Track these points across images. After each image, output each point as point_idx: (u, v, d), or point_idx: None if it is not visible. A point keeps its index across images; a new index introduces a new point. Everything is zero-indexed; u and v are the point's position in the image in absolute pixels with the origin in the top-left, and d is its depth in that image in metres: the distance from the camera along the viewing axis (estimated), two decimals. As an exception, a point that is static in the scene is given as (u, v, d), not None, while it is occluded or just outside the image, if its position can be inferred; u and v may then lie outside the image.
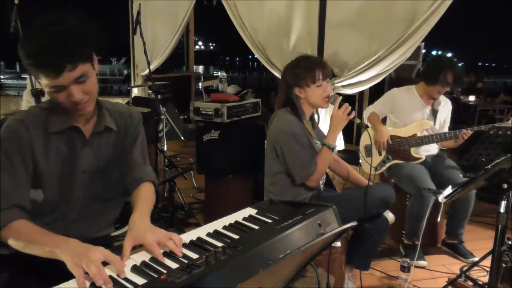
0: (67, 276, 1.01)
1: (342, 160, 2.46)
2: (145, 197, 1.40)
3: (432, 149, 2.97)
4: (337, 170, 2.45)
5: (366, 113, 3.03)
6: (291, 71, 2.17)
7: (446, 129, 2.98)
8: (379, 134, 2.90)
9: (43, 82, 1.20)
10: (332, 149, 2.11)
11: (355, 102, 5.53)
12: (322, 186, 2.30)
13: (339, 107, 2.07)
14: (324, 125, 2.97)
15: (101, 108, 1.39)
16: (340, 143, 3.49)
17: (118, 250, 1.12)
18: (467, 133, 2.69)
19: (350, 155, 3.42)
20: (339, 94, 3.41)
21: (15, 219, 1.21)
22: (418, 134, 2.87)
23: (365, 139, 3.07)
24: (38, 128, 1.29)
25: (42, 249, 1.13)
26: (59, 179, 1.33)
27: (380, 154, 2.97)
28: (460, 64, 2.86)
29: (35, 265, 1.18)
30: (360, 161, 3.14)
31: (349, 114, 2.07)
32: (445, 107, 2.97)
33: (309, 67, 2.12)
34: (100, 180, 1.41)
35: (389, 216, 2.23)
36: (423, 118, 2.91)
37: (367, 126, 2.97)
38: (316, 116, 2.34)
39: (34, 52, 1.16)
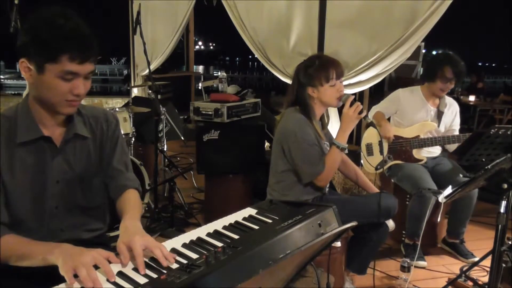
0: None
1: (351, 161, 2.44)
2: (133, 202, 1.38)
3: (435, 151, 2.95)
4: (344, 171, 2.44)
5: (371, 113, 3.01)
6: (305, 70, 2.14)
7: (456, 132, 2.94)
8: (384, 131, 2.87)
9: (56, 67, 1.16)
10: (342, 149, 2.08)
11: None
12: (326, 189, 2.30)
13: (350, 105, 2.06)
14: (334, 126, 2.97)
15: (72, 114, 1.34)
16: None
17: (115, 251, 1.11)
18: None
19: (350, 155, 3.42)
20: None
21: (1, 236, 1.19)
22: (421, 136, 2.85)
23: (367, 137, 3.05)
24: (0, 140, 1.25)
25: (35, 259, 1.13)
26: (30, 192, 1.28)
27: (381, 153, 2.96)
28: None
29: (33, 268, 1.17)
30: (362, 161, 3.13)
31: (360, 113, 2.05)
32: (451, 110, 2.93)
33: (323, 66, 2.10)
34: (79, 189, 1.37)
35: (390, 224, 2.23)
36: (427, 120, 2.88)
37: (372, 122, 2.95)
38: (326, 118, 2.33)
39: (67, 34, 1.16)
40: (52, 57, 1.16)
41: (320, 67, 2.10)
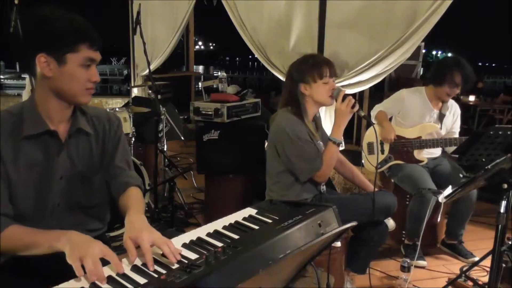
0: (67, 276, 1.01)
1: (347, 161, 2.45)
2: (136, 198, 1.39)
3: (435, 152, 2.96)
4: (341, 171, 2.44)
5: (373, 112, 3.02)
6: (298, 67, 2.16)
7: (456, 134, 2.95)
8: (386, 131, 2.87)
9: (77, 56, 1.24)
10: (338, 144, 2.10)
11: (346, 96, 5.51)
12: (324, 188, 2.30)
13: (343, 100, 2.06)
14: (325, 126, 2.96)
15: (75, 110, 1.37)
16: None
17: (117, 250, 1.11)
18: None
19: (350, 155, 3.42)
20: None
21: (6, 227, 1.20)
22: (423, 137, 2.85)
23: (368, 136, 3.05)
24: (5, 134, 1.26)
25: (42, 247, 1.14)
26: (34, 187, 1.30)
27: (382, 152, 2.96)
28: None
29: (34, 267, 1.17)
30: (363, 161, 3.13)
31: (352, 107, 2.05)
32: (452, 112, 2.94)
33: (317, 63, 2.12)
34: (80, 186, 1.38)
35: (390, 223, 2.23)
36: (429, 121, 2.88)
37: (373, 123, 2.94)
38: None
39: (81, 25, 1.25)
40: (72, 47, 1.23)
41: (313, 64, 2.12)
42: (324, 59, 2.19)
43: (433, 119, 2.90)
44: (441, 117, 2.89)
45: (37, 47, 1.23)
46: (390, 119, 3.05)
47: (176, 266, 1.04)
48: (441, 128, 2.88)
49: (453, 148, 2.84)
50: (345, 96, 2.07)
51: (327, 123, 3.16)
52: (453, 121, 2.95)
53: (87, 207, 1.42)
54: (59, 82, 1.26)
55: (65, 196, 1.36)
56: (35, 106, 1.31)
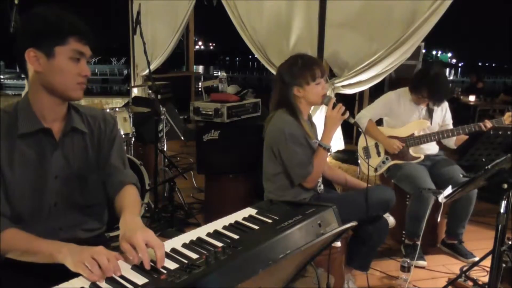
0: (67, 276, 1.01)
1: (336, 167, 2.44)
2: (131, 198, 1.39)
3: (431, 148, 2.97)
4: (333, 177, 2.44)
5: (361, 120, 2.92)
6: (289, 69, 2.13)
7: (450, 126, 2.96)
8: (388, 144, 2.87)
9: (65, 49, 1.24)
10: (328, 149, 2.11)
11: (355, 102, 5.53)
12: (321, 187, 2.30)
13: (333, 107, 2.07)
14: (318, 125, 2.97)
15: (70, 109, 1.37)
16: (340, 143, 3.49)
17: (116, 251, 1.11)
18: (487, 123, 2.65)
19: (350, 155, 3.42)
20: (339, 94, 3.42)
21: (4, 229, 1.20)
22: (416, 134, 2.87)
23: (363, 141, 3.06)
24: (1, 134, 1.26)
25: (41, 255, 1.13)
26: (30, 187, 1.29)
27: (379, 155, 2.96)
28: (450, 78, 2.84)
29: (34, 266, 1.17)
30: (359, 161, 3.13)
31: (343, 114, 2.06)
32: (440, 106, 2.95)
33: (308, 65, 2.11)
34: (76, 186, 1.38)
35: (390, 220, 2.23)
36: (419, 118, 2.91)
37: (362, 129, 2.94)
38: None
39: (71, 19, 1.26)
40: (61, 39, 1.24)
41: (305, 66, 2.10)
42: (313, 59, 2.18)
43: (422, 115, 2.92)
44: (430, 112, 2.92)
45: (26, 42, 1.24)
46: (381, 121, 3.05)
47: (176, 266, 1.04)
48: (431, 123, 2.91)
49: (451, 141, 2.88)
50: (336, 103, 2.08)
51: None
52: (442, 114, 2.97)
53: (84, 206, 1.41)
54: (49, 77, 1.26)
55: (62, 196, 1.35)
56: (29, 104, 1.31)
